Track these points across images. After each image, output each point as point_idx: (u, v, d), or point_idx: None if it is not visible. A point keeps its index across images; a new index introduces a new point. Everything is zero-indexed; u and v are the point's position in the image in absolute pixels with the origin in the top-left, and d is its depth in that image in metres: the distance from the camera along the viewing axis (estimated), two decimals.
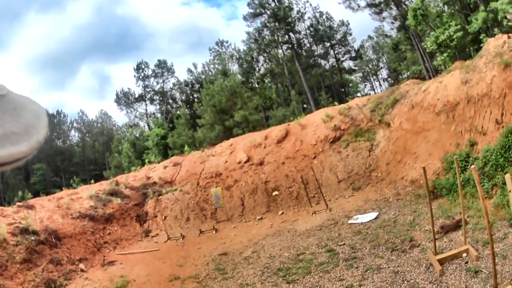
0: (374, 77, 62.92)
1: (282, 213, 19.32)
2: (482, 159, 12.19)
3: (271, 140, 24.34)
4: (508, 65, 13.66)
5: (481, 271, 8.09)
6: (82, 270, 14.61)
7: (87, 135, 67.14)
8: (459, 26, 27.83)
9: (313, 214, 17.29)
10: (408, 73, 44.02)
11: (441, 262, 8.88)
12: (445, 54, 28.21)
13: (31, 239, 14.50)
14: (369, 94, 45.41)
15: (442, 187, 13.58)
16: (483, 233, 9.90)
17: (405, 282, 8.74)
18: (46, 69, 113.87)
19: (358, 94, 51.38)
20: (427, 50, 31.43)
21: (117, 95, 60.91)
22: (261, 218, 19.35)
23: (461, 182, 9.64)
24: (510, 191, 7.01)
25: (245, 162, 23.44)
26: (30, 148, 0.52)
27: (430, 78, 28.22)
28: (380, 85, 62.45)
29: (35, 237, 14.81)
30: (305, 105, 50.74)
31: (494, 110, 13.44)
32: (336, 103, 29.75)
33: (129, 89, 61.20)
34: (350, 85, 59.02)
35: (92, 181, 27.09)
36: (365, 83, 64.48)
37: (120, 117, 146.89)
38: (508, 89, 13.18)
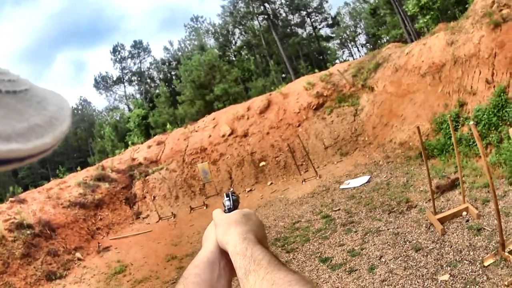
0: (352, 43, 62.69)
1: (271, 183, 19.25)
2: (474, 119, 12.13)
3: (253, 111, 24.10)
4: (498, 25, 13.53)
5: (484, 228, 8.09)
6: (79, 259, 14.57)
7: None
8: None
9: (303, 182, 17.22)
10: (388, 37, 43.85)
11: (441, 221, 8.85)
12: (427, 17, 27.95)
13: (27, 233, 14.50)
14: (348, 60, 45.08)
15: (433, 148, 13.57)
16: (480, 191, 9.92)
17: (407, 243, 8.70)
18: (22, 62, 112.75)
19: (337, 61, 51.02)
20: (409, 13, 31.20)
21: (95, 79, 60.74)
22: (250, 190, 19.29)
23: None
24: None
25: (229, 135, 23.21)
26: (54, 139, 0.52)
27: (412, 41, 28.05)
28: (359, 50, 62.28)
29: (30, 230, 14.78)
30: (284, 75, 50.47)
31: (483, 70, 13.35)
32: (316, 70, 29.53)
33: (106, 72, 60.81)
34: (329, 52, 58.75)
35: (78, 168, 26.71)
36: (343, 49, 64.23)
37: (99, 101, 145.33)
38: (498, 48, 13.09)
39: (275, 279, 0.77)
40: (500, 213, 6.99)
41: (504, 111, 11.52)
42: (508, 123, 11.19)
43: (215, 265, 1.01)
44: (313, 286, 0.75)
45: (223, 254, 1.03)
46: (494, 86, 12.53)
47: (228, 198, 1.23)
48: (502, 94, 11.83)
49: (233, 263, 0.93)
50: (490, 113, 11.80)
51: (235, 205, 1.21)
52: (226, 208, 1.20)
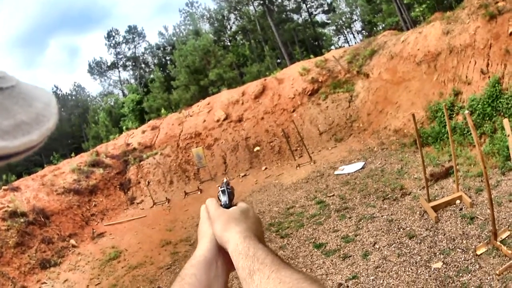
0: (348, 30, 62.39)
1: (266, 168, 19.31)
2: (468, 108, 12.21)
3: (248, 96, 24.06)
4: (494, 17, 13.57)
5: (477, 217, 8.20)
6: (73, 246, 14.65)
7: (62, 109, 65.70)
8: None
9: (298, 167, 17.31)
10: (384, 25, 43.67)
11: (435, 209, 8.96)
12: (423, 6, 27.89)
13: (21, 221, 14.48)
14: (343, 46, 44.89)
15: (428, 136, 13.67)
16: (474, 180, 10.03)
17: (401, 229, 8.82)
18: (15, 49, 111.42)
19: (332, 47, 50.69)
20: (405, 2, 31.11)
21: (89, 65, 59.80)
22: (244, 175, 19.35)
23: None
24: (508, 135, 6.99)
25: (224, 119, 23.20)
26: (41, 136, 0.53)
27: (408, 29, 27.92)
28: (354, 37, 61.95)
29: (24, 218, 14.78)
30: (279, 60, 50.22)
31: (478, 61, 13.42)
32: (311, 56, 29.46)
33: (101, 58, 60.32)
34: (324, 38, 58.48)
35: (73, 154, 26.53)
36: (339, 36, 63.93)
37: (94, 87, 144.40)
38: (493, 40, 13.14)
39: (282, 277, 0.77)
40: (493, 202, 7.09)
41: (498, 101, 11.62)
42: (502, 113, 11.28)
43: (212, 265, 1.00)
44: (320, 284, 0.75)
45: (221, 251, 1.02)
46: (489, 77, 12.61)
47: (223, 193, 1.21)
48: (496, 84, 11.92)
49: (234, 263, 0.93)
50: (485, 103, 11.90)
51: (230, 198, 1.20)
52: (222, 203, 1.18)
